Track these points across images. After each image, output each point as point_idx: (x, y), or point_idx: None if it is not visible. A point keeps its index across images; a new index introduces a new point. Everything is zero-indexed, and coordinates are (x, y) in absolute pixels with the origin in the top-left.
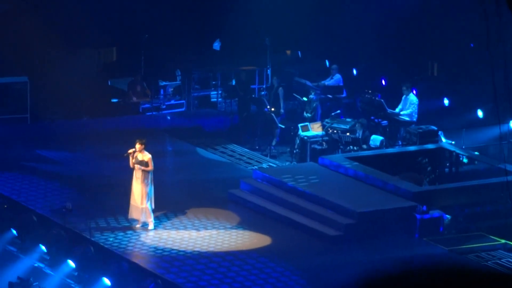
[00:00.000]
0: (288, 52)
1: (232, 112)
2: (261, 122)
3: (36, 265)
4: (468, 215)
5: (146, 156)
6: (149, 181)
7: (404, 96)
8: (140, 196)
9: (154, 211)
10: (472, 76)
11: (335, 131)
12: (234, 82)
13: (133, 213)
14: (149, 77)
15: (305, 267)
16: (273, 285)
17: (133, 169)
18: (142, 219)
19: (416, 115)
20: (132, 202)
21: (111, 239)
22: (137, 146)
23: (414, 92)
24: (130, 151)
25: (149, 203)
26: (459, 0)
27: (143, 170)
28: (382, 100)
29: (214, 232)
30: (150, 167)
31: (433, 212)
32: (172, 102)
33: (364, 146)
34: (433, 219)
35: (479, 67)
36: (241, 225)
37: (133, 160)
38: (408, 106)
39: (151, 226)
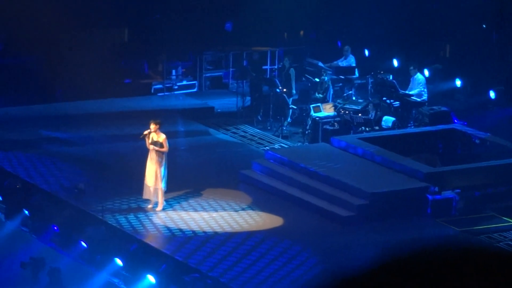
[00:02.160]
0: (301, 32)
1: (244, 93)
2: (273, 103)
3: (48, 245)
4: (481, 196)
5: (161, 137)
6: (163, 162)
7: (412, 77)
8: (154, 177)
9: (166, 192)
10: (484, 57)
11: (347, 112)
12: (246, 63)
13: (147, 194)
14: (161, 58)
15: (317, 248)
16: (285, 265)
17: (149, 150)
18: (154, 199)
19: (426, 95)
20: (146, 182)
21: (123, 220)
22: (152, 126)
23: (427, 73)
24: (146, 132)
25: (162, 184)
26: None
27: (157, 151)
28: (394, 81)
29: (225, 213)
30: (165, 148)
31: (445, 193)
32: (184, 82)
33: (376, 127)
34: (445, 200)
35: (491, 48)
36: (253, 205)
37: (149, 141)
38: (416, 85)
39: (160, 207)
